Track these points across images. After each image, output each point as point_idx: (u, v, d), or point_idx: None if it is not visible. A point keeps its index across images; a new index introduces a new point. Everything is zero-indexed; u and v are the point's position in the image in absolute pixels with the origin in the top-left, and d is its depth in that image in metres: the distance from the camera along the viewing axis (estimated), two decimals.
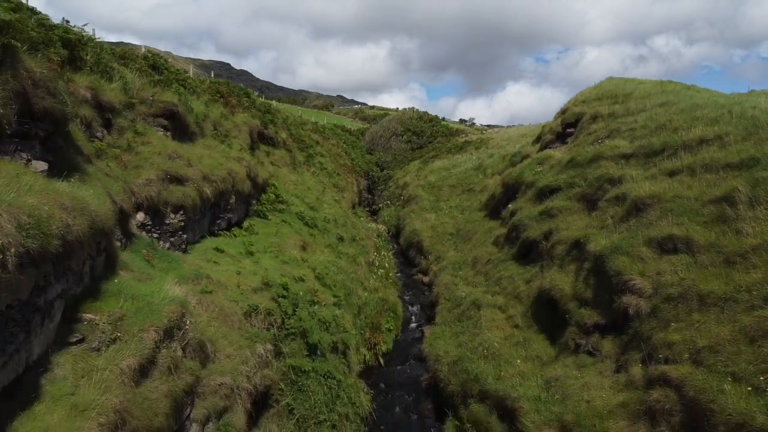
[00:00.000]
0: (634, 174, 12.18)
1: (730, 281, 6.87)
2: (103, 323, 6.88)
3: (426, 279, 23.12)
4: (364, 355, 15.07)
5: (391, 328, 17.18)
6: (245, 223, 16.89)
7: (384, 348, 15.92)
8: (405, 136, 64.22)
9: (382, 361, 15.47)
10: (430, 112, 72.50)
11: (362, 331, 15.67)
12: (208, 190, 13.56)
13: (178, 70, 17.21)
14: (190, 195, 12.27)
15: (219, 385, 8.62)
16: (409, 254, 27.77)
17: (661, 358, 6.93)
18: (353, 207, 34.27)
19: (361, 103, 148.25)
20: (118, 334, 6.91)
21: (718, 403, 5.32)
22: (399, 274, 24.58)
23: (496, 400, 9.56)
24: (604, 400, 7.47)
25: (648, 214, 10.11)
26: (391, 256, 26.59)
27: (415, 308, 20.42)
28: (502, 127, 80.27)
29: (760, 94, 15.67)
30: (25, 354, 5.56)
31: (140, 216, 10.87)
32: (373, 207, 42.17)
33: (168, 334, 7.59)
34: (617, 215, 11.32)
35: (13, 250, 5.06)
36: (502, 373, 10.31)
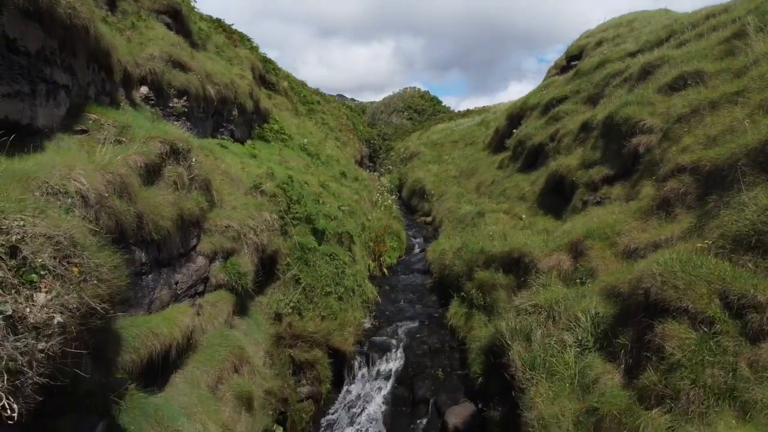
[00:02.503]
0: (641, 60, 12.06)
1: (742, 82, 6.76)
2: (108, 125, 6.80)
3: (429, 219, 23.02)
4: (369, 265, 14.97)
5: (395, 247, 17.11)
6: (248, 142, 16.79)
7: (388, 261, 15.85)
8: (406, 113, 64.34)
9: (386, 272, 15.40)
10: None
11: (367, 244, 15.58)
12: (211, 90, 13.47)
13: None
14: (193, 83, 12.19)
15: (226, 227, 8.52)
16: (411, 203, 27.69)
17: (673, 159, 6.82)
18: (355, 164, 34.04)
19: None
20: (123, 139, 6.80)
21: (739, 144, 5.19)
22: (403, 219, 24.45)
23: (501, 260, 9.47)
24: (615, 217, 7.38)
25: (657, 74, 9.99)
26: (395, 200, 26.49)
27: (418, 240, 20.35)
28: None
29: None
30: (29, 111, 5.47)
31: (144, 89, 10.78)
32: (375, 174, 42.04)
33: (174, 153, 7.47)
34: (625, 90, 11.21)
35: None
36: (508, 241, 10.23)
